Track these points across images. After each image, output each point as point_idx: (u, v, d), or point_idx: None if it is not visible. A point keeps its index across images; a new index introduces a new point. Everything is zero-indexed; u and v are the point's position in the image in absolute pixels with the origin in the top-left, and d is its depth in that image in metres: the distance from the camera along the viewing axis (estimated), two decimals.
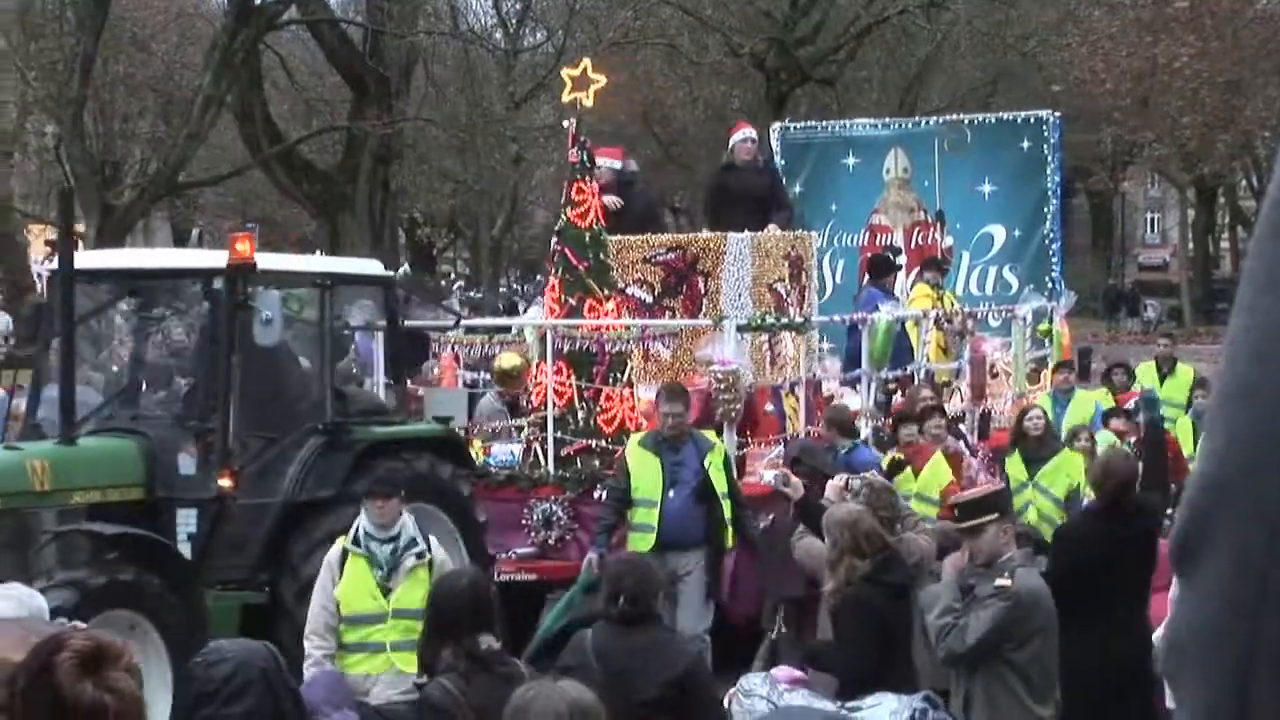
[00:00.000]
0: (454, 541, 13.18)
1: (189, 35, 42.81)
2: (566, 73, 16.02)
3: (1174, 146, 47.99)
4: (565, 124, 15.90)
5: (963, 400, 18.56)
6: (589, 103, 15.53)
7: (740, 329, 15.25)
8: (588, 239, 15.21)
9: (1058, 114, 22.13)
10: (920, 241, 21.61)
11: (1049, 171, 21.46)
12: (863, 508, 9.63)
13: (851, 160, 22.02)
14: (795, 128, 23.02)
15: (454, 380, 16.63)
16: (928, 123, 22.65)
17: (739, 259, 16.49)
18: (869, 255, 20.40)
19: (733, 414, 14.61)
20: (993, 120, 22.46)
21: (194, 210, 51.26)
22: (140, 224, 45.67)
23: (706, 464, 12.69)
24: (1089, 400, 18.21)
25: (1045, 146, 21.43)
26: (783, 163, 22.00)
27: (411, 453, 13.19)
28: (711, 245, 16.51)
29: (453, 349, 16.76)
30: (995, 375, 19.31)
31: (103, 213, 36.53)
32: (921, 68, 46.56)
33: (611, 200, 16.83)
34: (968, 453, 16.01)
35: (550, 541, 14.66)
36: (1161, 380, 19.83)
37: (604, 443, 14.59)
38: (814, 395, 17.01)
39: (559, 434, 14.79)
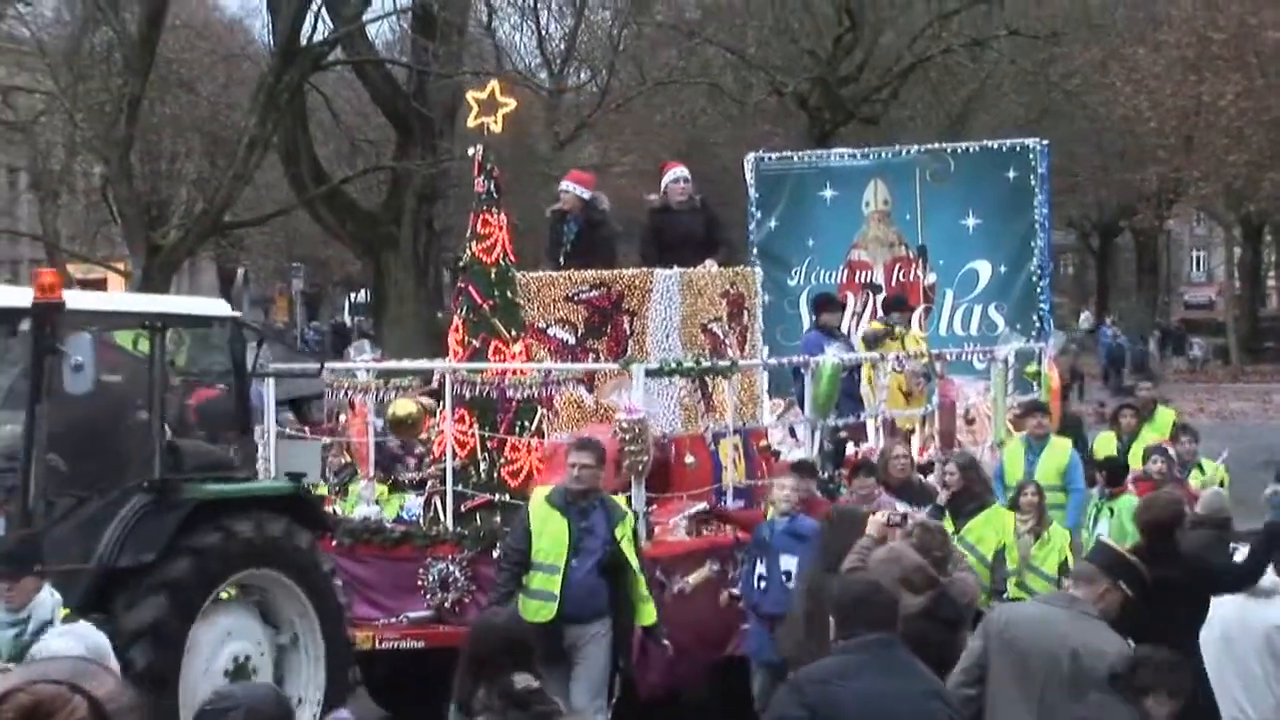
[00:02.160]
0: (306, 614, 11.69)
1: (235, 76, 41.78)
2: (472, 96, 14.29)
3: (1219, 184, 46.00)
4: (470, 152, 14.25)
5: (930, 449, 16.82)
6: (497, 128, 13.98)
7: (651, 373, 13.55)
8: (494, 275, 13.79)
9: (1044, 141, 20.27)
10: (901, 278, 19.76)
11: (1036, 203, 19.60)
12: (903, 545, 9.43)
13: (829, 192, 20.29)
14: (770, 158, 21.19)
15: (364, 430, 14.65)
16: (908, 152, 20.63)
17: (666, 297, 14.85)
18: (817, 294, 18.39)
19: (639, 467, 12.98)
20: (976, 149, 20.47)
21: (239, 250, 50.12)
22: (186, 264, 44.77)
23: (618, 535, 11.26)
24: (1063, 448, 16.20)
25: (1032, 176, 19.58)
26: (757, 195, 20.44)
27: (256, 513, 11.43)
28: (637, 283, 14.86)
29: (365, 396, 14.72)
30: (972, 421, 17.71)
31: (149, 253, 35.67)
32: (965, 106, 44.68)
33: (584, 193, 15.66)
34: (907, 511, 13.78)
35: (447, 604, 13.21)
36: (1139, 426, 18.11)
37: (508, 497, 13.24)
38: (757, 445, 15.33)
39: (459, 487, 13.41)
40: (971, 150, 20.14)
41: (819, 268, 20.10)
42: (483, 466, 13.54)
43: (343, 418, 15.23)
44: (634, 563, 11.30)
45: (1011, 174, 19.56)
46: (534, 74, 44.65)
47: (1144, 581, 8.69)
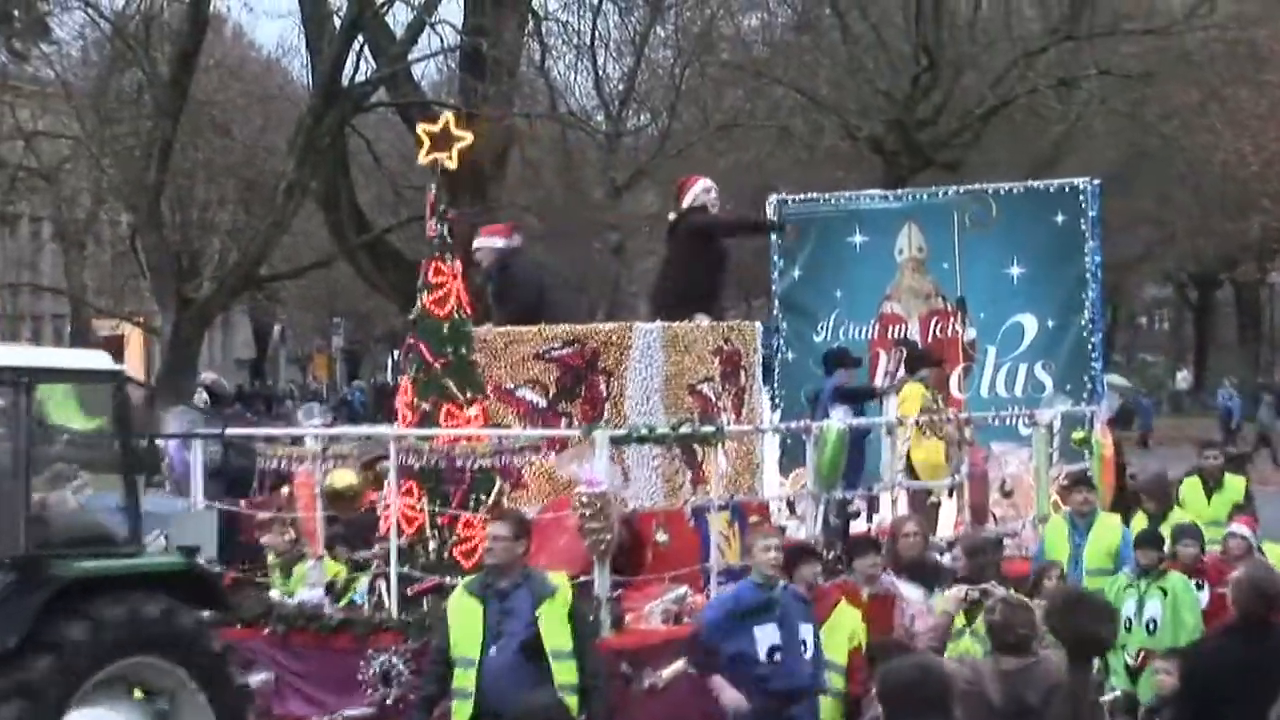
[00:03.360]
0: (195, 706, 10.91)
1: (272, 119, 41.21)
2: (424, 129, 13.58)
3: None
4: (429, 189, 13.74)
5: (961, 524, 16.11)
6: (452, 164, 13.36)
7: (617, 441, 12.77)
8: (446, 331, 13.17)
9: (1096, 181, 19.25)
10: (939, 333, 18.92)
11: (1087, 249, 18.68)
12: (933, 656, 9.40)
13: (859, 238, 19.45)
14: (793, 200, 20.36)
15: (312, 502, 13.77)
16: (945, 194, 19.81)
17: (647, 355, 14.33)
18: (828, 351, 17.57)
19: (601, 545, 12.28)
20: (1021, 190, 19.62)
21: (276, 304, 49.52)
22: (219, 319, 44.74)
23: (537, 614, 10.43)
24: (1113, 526, 15.07)
25: (1082, 220, 18.59)
26: (779, 242, 19.53)
27: (140, 592, 10.67)
28: (614, 338, 14.32)
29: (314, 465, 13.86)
30: (1010, 494, 16.89)
31: (179, 306, 35.48)
32: (1053, 151, 43.36)
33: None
34: (914, 594, 13.11)
35: (389, 701, 12.57)
36: (1209, 497, 17.35)
37: (460, 580, 12.16)
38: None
39: (405, 569, 12.78)
40: (1015, 191, 19.38)
41: (848, 321, 19.30)
42: (432, 545, 12.94)
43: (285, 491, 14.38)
44: (561, 644, 10.43)
45: (1060, 218, 18.67)
46: (590, 116, 43.94)
47: None
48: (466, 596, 10.67)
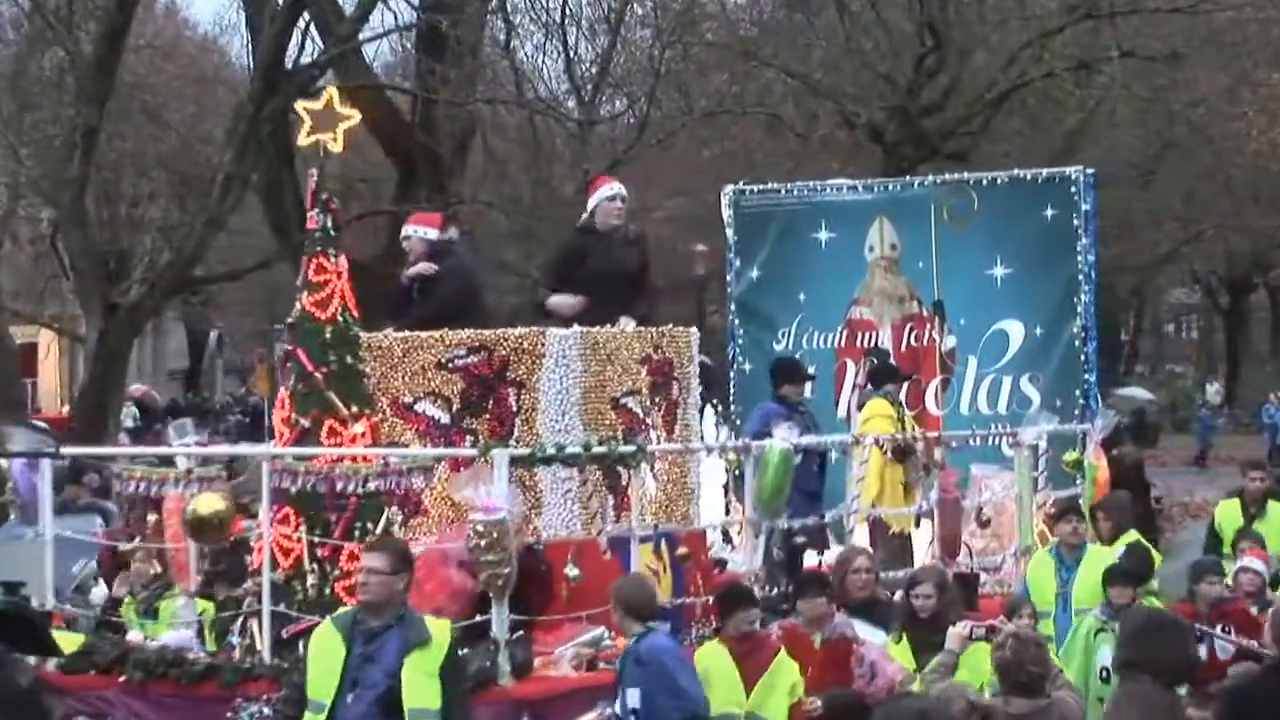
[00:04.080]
0: None
1: (208, 105, 40.94)
2: (304, 106, 13.29)
3: None
4: (310, 175, 13.58)
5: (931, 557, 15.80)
6: (337, 146, 13.19)
7: (517, 461, 12.44)
8: (329, 335, 12.87)
9: (1089, 170, 18.98)
10: (914, 342, 18.85)
11: (1080, 247, 18.48)
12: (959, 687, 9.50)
13: (825, 234, 19.24)
14: (751, 191, 20.11)
15: (181, 532, 13.31)
16: (921, 184, 19.82)
17: (563, 364, 13.82)
18: (776, 360, 17.21)
19: (499, 581, 12.04)
20: (1006, 180, 19.20)
21: (212, 309, 49.16)
22: (150, 325, 44.31)
23: (403, 663, 9.80)
24: (1105, 560, 14.51)
25: (1075, 214, 18.31)
26: (736, 238, 19.40)
27: None
28: (526, 345, 13.75)
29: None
30: (987, 524, 16.63)
31: (106, 312, 35.10)
32: (1070, 140, 42.61)
33: (425, 267, 15.14)
34: (874, 638, 12.55)
35: None
36: (1248, 524, 16.82)
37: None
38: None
39: (279, 607, 12.52)
40: (999, 182, 19.12)
41: (812, 328, 19.21)
42: (311, 580, 12.63)
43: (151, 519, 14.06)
44: (424, 704, 9.74)
45: (1049, 211, 18.53)
46: (561, 102, 43.51)
47: None
48: (332, 632, 10.07)
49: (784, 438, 14.05)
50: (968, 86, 41.02)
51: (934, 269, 18.92)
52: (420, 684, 9.73)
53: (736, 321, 19.24)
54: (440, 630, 10.02)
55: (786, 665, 11.79)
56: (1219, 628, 13.24)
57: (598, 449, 12.89)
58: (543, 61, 44.46)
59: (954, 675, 10.85)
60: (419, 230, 15.36)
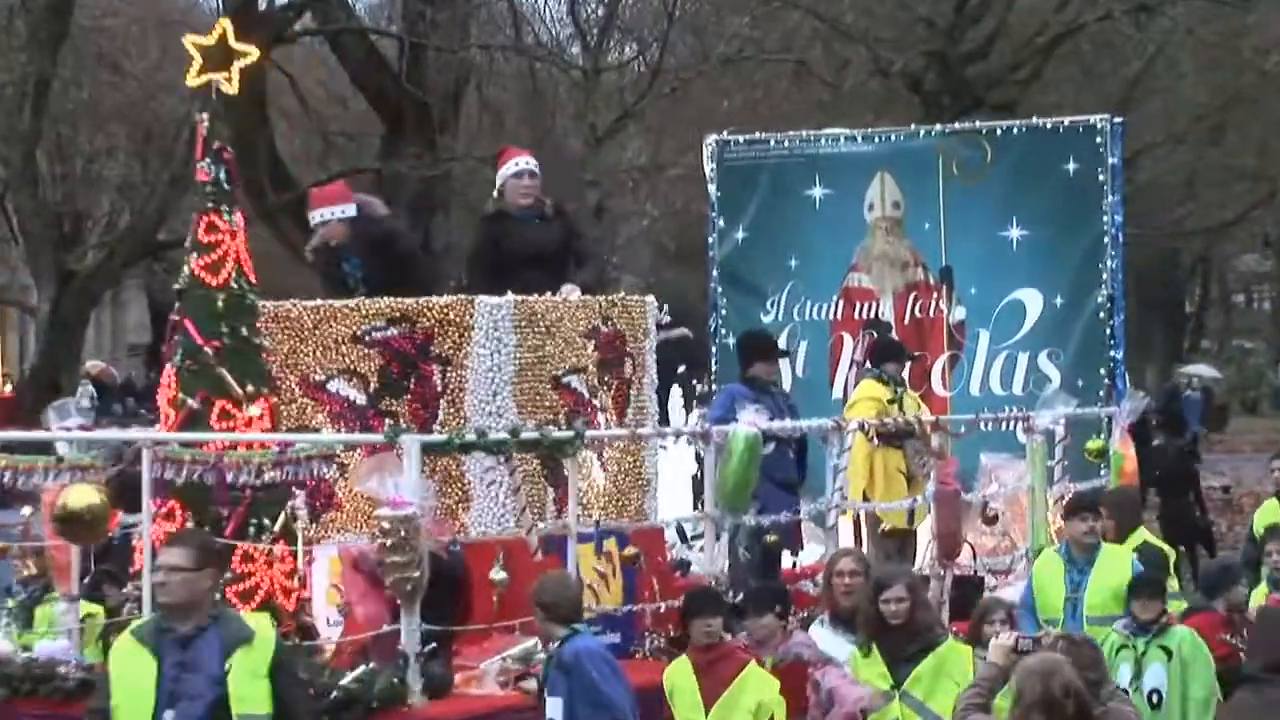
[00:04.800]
0: None
1: (172, 51, 38.34)
2: (192, 41, 12.83)
3: None
4: (198, 119, 12.97)
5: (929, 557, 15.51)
6: (231, 87, 12.77)
7: (431, 448, 12.11)
8: (222, 304, 12.60)
9: (1117, 119, 18.79)
10: (919, 313, 18.56)
11: (1107, 205, 18.01)
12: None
13: (819, 190, 18.81)
14: (737, 141, 19.76)
15: None
16: (928, 134, 19.43)
17: (494, 337, 13.48)
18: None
19: (408, 585, 11.59)
20: (1022, 130, 18.90)
21: (177, 276, 48.87)
22: (108, 295, 44.42)
23: (226, 668, 9.46)
24: (1121, 561, 14.19)
25: (1101, 169, 17.96)
26: (720, 194, 19.16)
27: None
28: (453, 316, 13.43)
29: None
30: (994, 520, 16.26)
31: (60, 281, 35.65)
32: (1129, 90, 42.50)
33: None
34: (839, 650, 12.36)
35: None
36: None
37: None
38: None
39: None
40: (1016, 131, 18.89)
41: (804, 297, 18.90)
42: None
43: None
44: (254, 709, 9.46)
45: (1072, 165, 18.19)
46: (564, 48, 43.60)
47: None
48: (134, 646, 9.68)
49: (750, 422, 13.66)
50: (1015, 30, 41.17)
51: (941, 231, 18.66)
52: (248, 687, 9.45)
53: (719, 289, 18.88)
54: (263, 626, 9.81)
55: (754, 681, 11.62)
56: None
57: (527, 434, 12.44)
58: (544, 3, 44.60)
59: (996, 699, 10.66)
60: (333, 211, 14.72)
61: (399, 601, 11.62)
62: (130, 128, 41.49)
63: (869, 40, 40.24)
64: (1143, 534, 15.17)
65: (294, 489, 12.33)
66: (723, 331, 18.72)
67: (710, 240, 19.22)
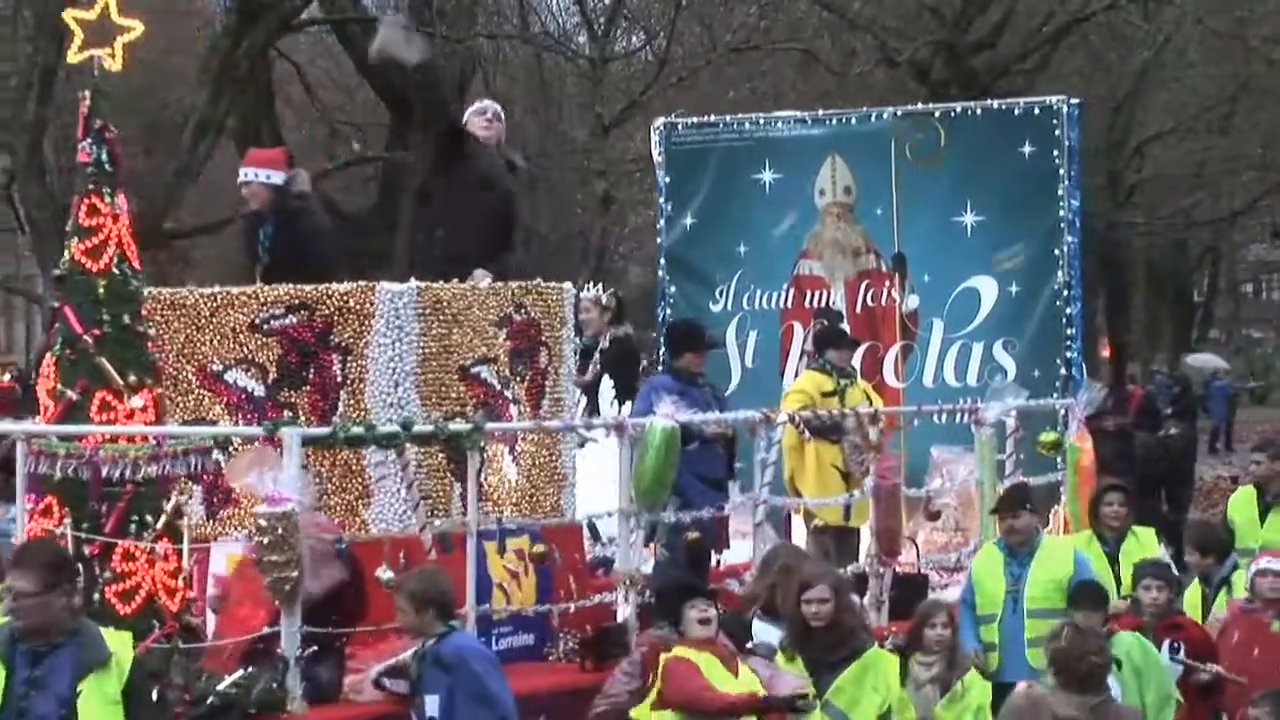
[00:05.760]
0: None
1: (179, 40, 39.84)
2: (72, 15, 12.29)
3: None
4: (80, 96, 12.38)
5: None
6: (114, 64, 12.29)
7: (313, 441, 11.52)
8: (103, 291, 11.74)
9: (1074, 100, 18.27)
10: (870, 301, 18.09)
11: (1062, 190, 17.64)
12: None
13: (768, 175, 18.32)
14: (686, 125, 19.32)
15: None
16: (880, 116, 18.86)
17: (396, 326, 12.82)
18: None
19: (286, 586, 11.06)
20: (977, 112, 18.42)
21: (184, 267, 48.82)
22: None
23: (79, 689, 8.90)
24: (1061, 552, 13.62)
25: (1057, 151, 17.49)
26: (668, 180, 18.66)
27: None
28: (353, 304, 12.82)
29: None
30: (937, 515, 15.95)
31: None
32: (1137, 81, 42.53)
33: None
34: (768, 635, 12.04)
35: None
36: (1263, 516, 15.72)
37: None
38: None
39: None
40: (970, 113, 18.46)
41: (753, 286, 18.41)
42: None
43: None
44: None
45: (1028, 148, 17.79)
46: (571, 37, 43.46)
47: None
48: None
49: (666, 414, 12.91)
50: (1023, 20, 40.73)
51: (894, 216, 18.21)
52: (98, 713, 8.87)
53: (667, 278, 18.39)
54: (122, 646, 9.16)
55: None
56: (1167, 644, 12.49)
57: (419, 427, 11.80)
58: None
59: None
60: (260, 173, 14.08)
61: (277, 603, 11.02)
62: (137, 119, 40.09)
63: (876, 29, 39.83)
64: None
65: (190, 484, 11.95)
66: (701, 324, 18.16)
67: (658, 226, 18.80)
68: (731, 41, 39.75)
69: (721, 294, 18.36)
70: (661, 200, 18.68)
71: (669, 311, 18.16)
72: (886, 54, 39.96)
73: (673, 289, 18.37)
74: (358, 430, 11.48)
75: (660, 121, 19.15)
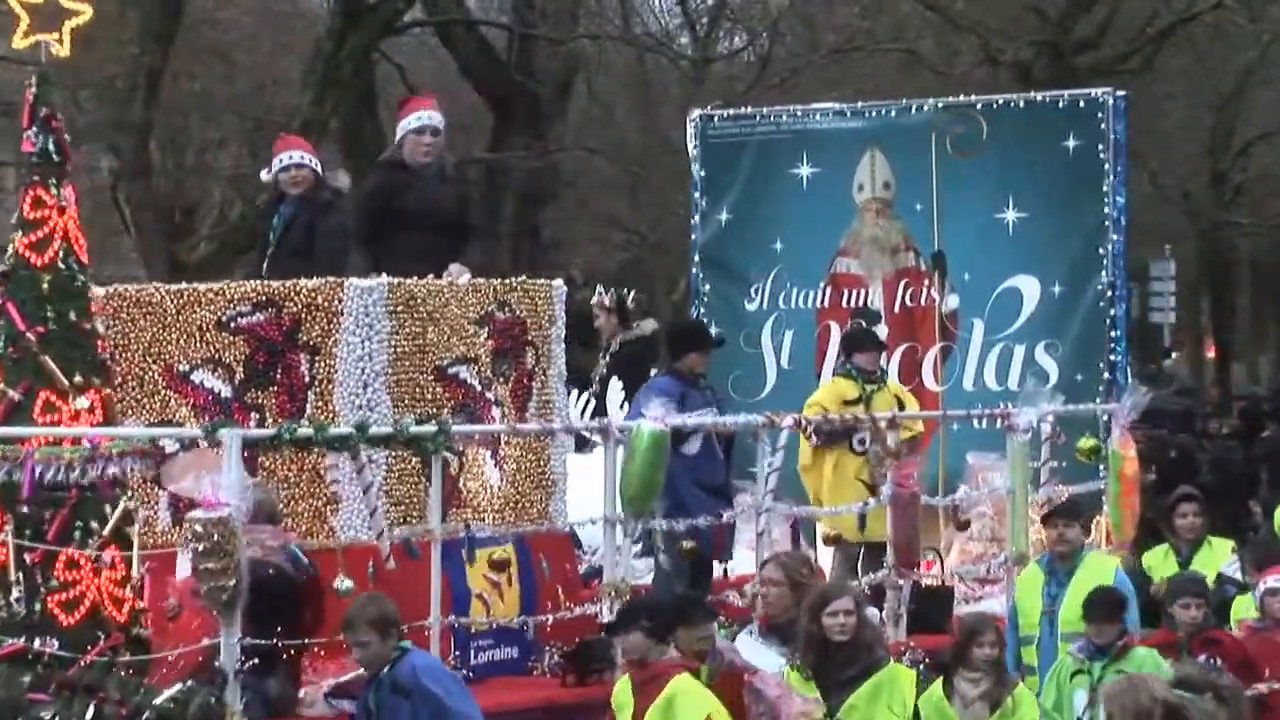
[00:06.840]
0: None
1: (283, 43, 39.67)
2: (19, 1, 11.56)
3: None
4: (28, 85, 11.70)
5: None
6: (62, 49, 11.69)
7: (255, 444, 10.89)
8: (47, 287, 11.19)
9: (1120, 92, 17.44)
10: (909, 301, 17.21)
11: (1107, 186, 16.82)
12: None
13: (806, 169, 17.60)
14: (722, 117, 18.58)
15: None
16: (920, 109, 18.00)
17: (365, 324, 12.15)
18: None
19: (223, 595, 10.39)
20: (1019, 104, 17.59)
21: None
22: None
23: None
24: (1102, 570, 13.04)
25: (1102, 145, 16.68)
26: (703, 174, 17.94)
27: None
28: (321, 301, 12.18)
29: None
30: (965, 526, 15.41)
31: (171, 269, 34.67)
32: (1242, 81, 42.28)
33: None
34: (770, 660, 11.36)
35: None
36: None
37: (57, 646, 10.88)
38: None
39: None
40: (1013, 105, 17.62)
41: (789, 284, 17.63)
42: (15, 594, 11.06)
43: None
44: None
45: (1072, 142, 16.87)
46: (673, 38, 43.23)
47: None
48: None
49: (655, 417, 12.13)
50: (1126, 20, 40.36)
51: (934, 213, 17.36)
52: None
53: (701, 276, 17.61)
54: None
55: (686, 693, 10.32)
56: (1203, 660, 11.94)
57: (377, 429, 11.04)
58: None
59: None
60: (306, 158, 13.81)
61: (214, 613, 10.31)
62: (241, 119, 40.48)
63: (979, 29, 39.37)
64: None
65: (157, 489, 11.68)
66: (707, 321, 17.35)
67: (692, 222, 18.08)
68: (833, 42, 39.61)
69: (757, 292, 17.65)
70: (696, 195, 17.98)
71: (703, 311, 17.49)
72: (989, 54, 39.61)
73: (707, 288, 17.67)
74: (305, 431, 10.71)
75: (696, 113, 18.44)
